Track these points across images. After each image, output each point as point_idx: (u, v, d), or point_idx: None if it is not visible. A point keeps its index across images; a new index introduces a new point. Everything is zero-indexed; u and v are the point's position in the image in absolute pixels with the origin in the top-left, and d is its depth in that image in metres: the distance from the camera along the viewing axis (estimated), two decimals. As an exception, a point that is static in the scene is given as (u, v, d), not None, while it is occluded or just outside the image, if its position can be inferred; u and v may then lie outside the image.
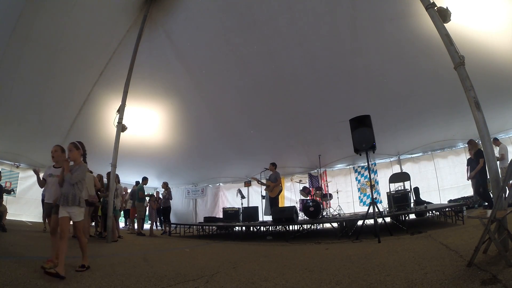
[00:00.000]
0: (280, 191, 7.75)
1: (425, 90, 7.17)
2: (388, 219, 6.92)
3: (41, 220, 7.50)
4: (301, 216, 7.59)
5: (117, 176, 7.04)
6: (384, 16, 5.91)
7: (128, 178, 10.47)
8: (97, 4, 6.23)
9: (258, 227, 8.07)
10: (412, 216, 7.59)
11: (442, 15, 3.72)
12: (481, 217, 2.52)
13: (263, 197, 8.50)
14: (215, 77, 7.92)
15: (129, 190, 9.96)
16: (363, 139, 4.99)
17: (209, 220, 9.26)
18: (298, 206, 8.72)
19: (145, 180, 9.18)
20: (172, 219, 10.57)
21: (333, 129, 8.52)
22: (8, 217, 6.79)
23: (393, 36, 6.17)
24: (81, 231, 3.20)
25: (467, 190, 8.16)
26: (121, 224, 12.16)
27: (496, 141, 6.97)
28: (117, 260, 3.81)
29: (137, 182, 9.09)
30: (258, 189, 9.73)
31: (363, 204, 10.00)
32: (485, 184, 6.36)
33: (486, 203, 6.26)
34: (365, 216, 5.26)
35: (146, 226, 9.50)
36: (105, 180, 7.08)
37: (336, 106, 8.04)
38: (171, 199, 9.24)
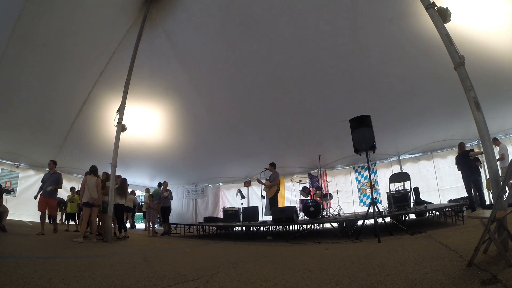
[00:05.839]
0: (278, 190, 7.75)
1: (425, 90, 7.18)
2: (388, 219, 6.92)
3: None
4: (301, 216, 7.59)
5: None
6: (384, 16, 5.90)
7: (128, 179, 10.50)
8: (97, 4, 6.22)
9: (258, 227, 8.07)
10: (412, 216, 7.59)
11: (442, 15, 3.72)
12: (481, 217, 2.52)
13: (263, 197, 8.51)
14: (215, 77, 7.92)
15: (141, 193, 10.19)
16: (363, 139, 4.99)
17: (209, 220, 9.26)
18: (298, 206, 8.72)
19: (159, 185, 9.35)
20: (172, 219, 10.57)
21: (333, 129, 8.52)
22: (8, 217, 6.78)
23: (393, 36, 6.17)
24: None
25: (466, 190, 8.15)
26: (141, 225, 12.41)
27: (496, 141, 6.97)
28: (117, 260, 3.81)
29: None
30: (258, 189, 9.74)
31: (363, 205, 10.01)
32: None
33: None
34: (365, 216, 5.26)
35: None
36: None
37: (336, 106, 8.04)
38: (171, 199, 9.24)
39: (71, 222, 8.42)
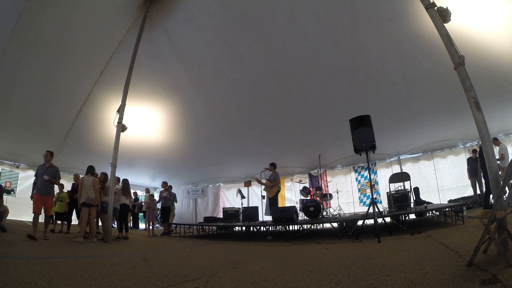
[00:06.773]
0: (278, 191, 7.76)
1: (425, 90, 7.18)
2: (388, 219, 6.91)
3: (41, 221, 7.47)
4: (301, 216, 7.58)
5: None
6: (384, 16, 5.91)
7: (129, 179, 10.51)
8: (97, 4, 6.23)
9: (258, 227, 8.07)
10: (412, 216, 7.59)
11: (442, 15, 3.72)
12: (481, 217, 2.52)
13: (263, 197, 8.50)
14: (215, 77, 7.92)
15: (142, 193, 10.16)
16: (363, 139, 4.99)
17: (209, 220, 9.26)
18: (298, 206, 8.72)
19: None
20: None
21: (333, 129, 8.53)
22: (8, 217, 6.77)
23: (393, 36, 6.17)
24: None
25: (466, 190, 8.17)
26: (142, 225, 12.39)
27: (496, 141, 6.96)
28: (117, 260, 3.81)
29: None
30: (258, 189, 9.73)
31: (363, 205, 10.01)
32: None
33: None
34: (365, 216, 5.26)
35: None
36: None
37: (336, 106, 8.04)
38: (173, 201, 9.26)
39: (61, 222, 8.17)
